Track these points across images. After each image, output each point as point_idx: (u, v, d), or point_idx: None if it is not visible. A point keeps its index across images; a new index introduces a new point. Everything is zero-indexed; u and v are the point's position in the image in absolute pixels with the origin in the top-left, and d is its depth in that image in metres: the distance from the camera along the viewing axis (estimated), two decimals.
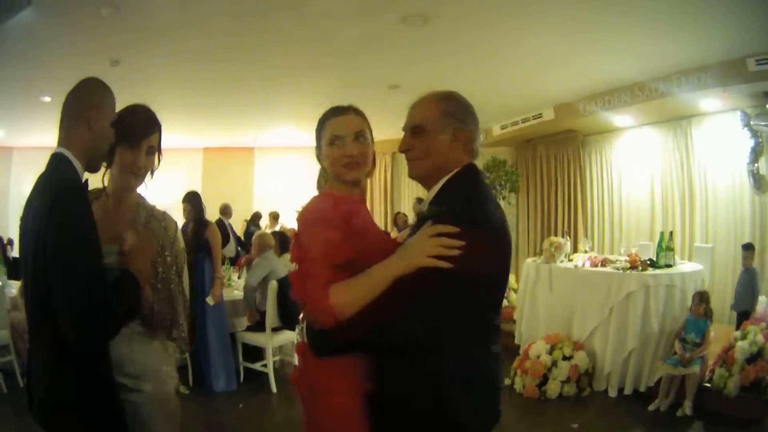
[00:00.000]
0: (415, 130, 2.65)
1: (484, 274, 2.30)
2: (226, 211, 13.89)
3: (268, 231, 15.33)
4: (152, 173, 3.25)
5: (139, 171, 3.11)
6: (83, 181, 2.80)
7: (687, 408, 6.86)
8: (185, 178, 15.71)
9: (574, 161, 13.21)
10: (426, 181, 2.69)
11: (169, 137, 12.05)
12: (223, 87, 10.57)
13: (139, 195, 3.30)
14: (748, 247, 8.18)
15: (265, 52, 8.41)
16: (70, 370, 2.68)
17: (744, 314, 7.61)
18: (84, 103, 2.83)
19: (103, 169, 3.09)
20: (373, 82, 10.02)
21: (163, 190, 14.16)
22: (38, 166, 2.83)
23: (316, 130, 2.82)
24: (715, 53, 8.21)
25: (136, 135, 3.06)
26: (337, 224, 2.49)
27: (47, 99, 10.35)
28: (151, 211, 3.28)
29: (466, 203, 2.42)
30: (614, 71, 9.30)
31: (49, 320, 2.58)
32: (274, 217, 16.19)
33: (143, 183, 3.25)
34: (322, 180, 2.97)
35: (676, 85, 9.09)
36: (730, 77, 8.43)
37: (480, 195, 2.52)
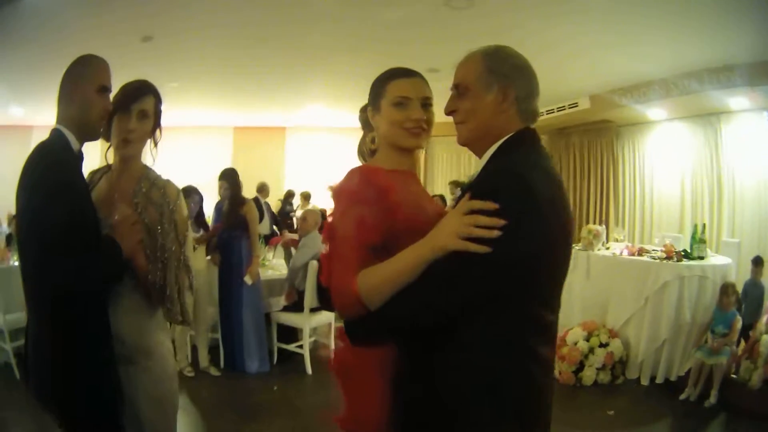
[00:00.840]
0: (458, 90, 2.38)
1: (523, 259, 2.01)
2: (262, 189, 13.89)
3: (300, 211, 15.38)
4: (155, 144, 3.30)
5: (130, 135, 3.11)
6: (77, 151, 2.94)
7: (712, 397, 6.95)
8: (216, 158, 15.72)
9: (608, 151, 13.15)
10: (475, 149, 2.39)
11: (199, 115, 12.13)
12: (254, 65, 10.49)
13: (145, 166, 3.28)
14: (758, 262, 8.11)
15: (301, 30, 8.31)
16: (68, 344, 2.74)
17: (750, 326, 7.53)
18: (66, 78, 2.95)
19: (105, 145, 3.27)
20: (412, 65, 9.89)
21: (194, 170, 14.37)
22: None
23: (374, 88, 2.61)
24: (744, 53, 8.20)
25: (126, 100, 3.10)
26: (371, 201, 2.29)
27: None
28: (153, 180, 3.21)
29: (506, 174, 2.10)
30: (647, 65, 9.26)
31: (42, 294, 2.74)
32: (306, 197, 16.18)
33: (144, 152, 3.28)
34: (365, 146, 2.84)
35: (707, 82, 9.09)
36: (759, 77, 8.45)
37: (525, 164, 2.15)
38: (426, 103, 2.53)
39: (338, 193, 2.41)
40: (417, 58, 9.24)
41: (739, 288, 7.73)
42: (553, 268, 2.20)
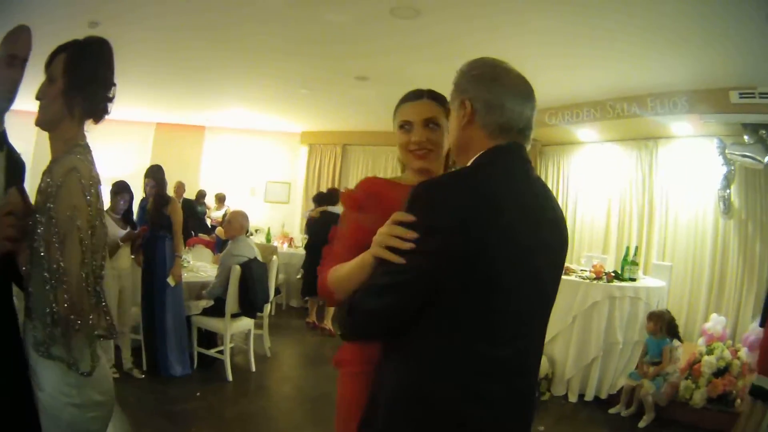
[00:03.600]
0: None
1: (434, 276, 1.92)
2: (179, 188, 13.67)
3: (214, 213, 15.17)
4: (71, 111, 2.73)
5: (40, 106, 2.73)
6: None
7: (644, 421, 7.15)
8: (136, 153, 15.41)
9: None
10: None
11: (124, 109, 11.84)
12: (187, 62, 10.37)
13: (67, 143, 2.76)
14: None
15: (241, 31, 8.24)
16: None
17: None
18: None
19: None
20: (342, 72, 9.90)
21: (114, 163, 14.07)
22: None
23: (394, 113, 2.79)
24: (697, 81, 8.38)
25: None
26: (368, 207, 2.55)
27: None
28: (55, 160, 2.70)
29: (428, 186, 2.03)
30: (586, 86, 9.42)
31: None
32: (220, 198, 15.98)
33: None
34: (400, 165, 2.92)
35: (651, 108, 9.25)
36: (710, 105, 8.62)
37: (465, 178, 2.07)
38: (430, 124, 2.65)
39: (343, 198, 2.76)
40: (349, 64, 9.23)
41: (672, 312, 7.95)
42: (490, 293, 1.98)
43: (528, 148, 2.23)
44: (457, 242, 1.90)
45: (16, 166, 2.94)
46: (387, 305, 2.02)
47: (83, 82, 2.73)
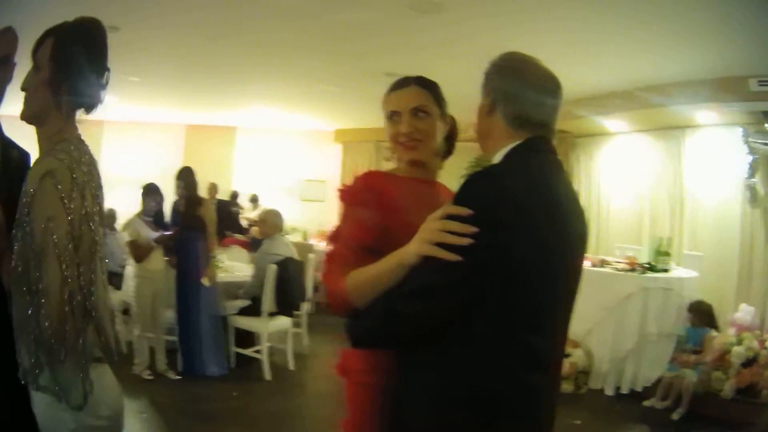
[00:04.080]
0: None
1: (494, 271, 1.86)
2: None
3: (249, 213, 15.19)
4: (57, 101, 2.46)
5: (25, 98, 2.51)
6: None
7: (676, 414, 7.10)
8: (168, 155, 15.45)
9: (564, 162, 12.98)
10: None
11: (153, 112, 11.87)
12: (212, 62, 10.32)
13: (53, 139, 2.50)
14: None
15: (261, 27, 8.12)
16: None
17: None
18: None
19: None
20: (370, 68, 9.82)
21: (145, 165, 14.15)
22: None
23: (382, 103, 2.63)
24: (716, 69, 8.26)
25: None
26: (368, 203, 2.35)
27: None
28: (37, 161, 2.47)
29: (483, 179, 2.00)
30: (609, 76, 9.31)
31: None
32: (254, 199, 15.98)
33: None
34: (390, 157, 2.76)
35: (673, 96, 9.10)
36: (731, 94, 8.50)
37: (509, 170, 2.06)
38: (419, 113, 2.51)
39: (341, 195, 2.49)
40: (376, 61, 9.16)
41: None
42: (537, 285, 1.97)
43: (554, 141, 2.21)
44: (514, 236, 1.86)
45: (14, 170, 2.67)
46: (434, 306, 1.93)
47: (71, 68, 2.46)
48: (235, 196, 16.08)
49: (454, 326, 1.92)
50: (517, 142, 2.10)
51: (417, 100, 2.52)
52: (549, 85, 2.18)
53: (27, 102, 2.47)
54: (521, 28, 7.26)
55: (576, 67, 8.43)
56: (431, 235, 1.89)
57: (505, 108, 2.13)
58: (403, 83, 2.58)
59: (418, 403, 2.02)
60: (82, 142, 2.55)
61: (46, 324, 2.25)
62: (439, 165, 2.70)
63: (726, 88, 8.43)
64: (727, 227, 9.63)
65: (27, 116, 2.48)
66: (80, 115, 2.59)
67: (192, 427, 6.41)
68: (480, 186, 1.97)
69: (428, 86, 2.58)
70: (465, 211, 1.85)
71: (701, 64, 8.14)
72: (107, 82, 2.62)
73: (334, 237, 2.43)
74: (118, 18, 7.63)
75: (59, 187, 2.30)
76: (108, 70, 2.61)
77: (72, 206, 2.33)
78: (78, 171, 2.39)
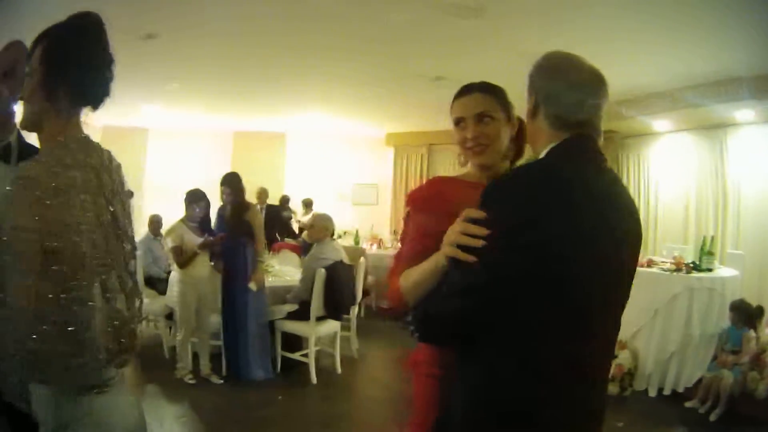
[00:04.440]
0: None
1: (512, 274, 1.87)
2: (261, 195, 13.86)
3: (302, 218, 15.25)
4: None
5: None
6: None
7: (713, 414, 7.09)
8: (215, 163, 15.55)
9: (613, 162, 12.89)
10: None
11: (199, 118, 11.93)
12: (255, 67, 10.31)
13: (43, 144, 2.42)
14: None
15: (303, 29, 8.07)
16: None
17: None
18: None
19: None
20: (415, 72, 9.84)
21: (193, 173, 14.29)
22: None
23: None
24: (750, 65, 8.20)
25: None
26: (433, 208, 2.52)
27: None
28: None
29: (502, 182, 2.09)
30: (652, 76, 9.27)
31: None
32: (307, 203, 15.98)
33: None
34: (462, 162, 2.81)
35: (712, 96, 9.10)
36: (765, 90, 8.45)
37: (535, 172, 2.06)
38: (484, 118, 2.58)
39: (407, 199, 2.75)
40: (424, 65, 9.16)
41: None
42: (568, 286, 1.93)
43: (600, 141, 2.18)
44: (534, 237, 1.86)
45: None
46: (460, 308, 1.96)
47: (63, 68, 2.34)
48: (286, 200, 16.05)
49: (489, 327, 1.93)
50: (556, 143, 2.10)
51: (481, 105, 2.59)
52: (590, 83, 2.16)
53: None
54: (564, 26, 7.25)
55: (621, 65, 8.39)
56: (452, 238, 1.98)
57: (546, 109, 2.14)
58: (466, 90, 2.66)
59: (458, 401, 2.07)
60: (86, 144, 2.42)
61: (15, 343, 2.12)
62: (508, 167, 2.72)
63: (763, 86, 8.39)
64: (766, 224, 9.59)
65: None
66: (86, 115, 2.45)
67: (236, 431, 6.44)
68: (501, 188, 2.01)
69: (492, 91, 2.65)
70: (480, 214, 1.92)
71: (738, 62, 8.07)
72: (112, 75, 2.48)
73: (401, 239, 2.72)
74: (157, 25, 7.72)
75: (36, 193, 2.14)
76: (112, 61, 2.48)
77: (49, 215, 2.16)
78: (63, 176, 2.22)
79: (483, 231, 1.89)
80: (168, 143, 16.62)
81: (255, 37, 8.47)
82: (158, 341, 8.89)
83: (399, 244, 2.73)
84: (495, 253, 1.87)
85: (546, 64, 2.21)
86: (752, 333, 7.41)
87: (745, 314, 7.47)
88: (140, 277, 8.79)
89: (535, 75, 2.20)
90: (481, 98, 2.60)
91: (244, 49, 9.04)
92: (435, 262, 2.13)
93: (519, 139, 2.72)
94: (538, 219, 1.88)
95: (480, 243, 1.88)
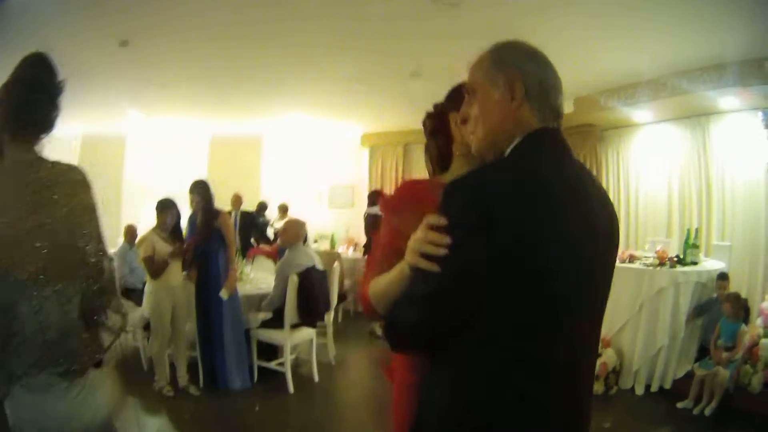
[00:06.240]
0: (468, 94, 2.15)
1: (475, 279, 1.77)
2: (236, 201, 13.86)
3: (277, 223, 15.18)
4: None
5: None
6: None
7: (708, 409, 7.02)
8: (192, 167, 15.49)
9: (591, 156, 12.81)
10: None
11: (176, 124, 11.88)
12: (232, 71, 10.30)
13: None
14: (724, 277, 7.99)
15: (281, 28, 8.02)
16: None
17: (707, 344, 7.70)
18: None
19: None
20: (396, 66, 9.77)
21: (169, 179, 14.23)
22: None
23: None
24: (736, 51, 8.16)
25: None
26: (407, 212, 2.32)
27: None
28: None
29: (459, 184, 1.86)
30: (636, 64, 9.21)
31: None
32: (283, 209, 15.92)
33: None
34: (430, 155, 2.79)
35: (698, 82, 9.03)
36: (751, 76, 8.41)
37: (500, 170, 1.91)
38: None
39: (381, 204, 2.60)
40: (401, 58, 9.09)
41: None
42: (538, 285, 1.82)
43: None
44: (499, 236, 1.74)
45: None
46: (426, 317, 1.88)
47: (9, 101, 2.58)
48: (263, 207, 16.02)
49: (459, 332, 1.84)
50: (526, 133, 1.99)
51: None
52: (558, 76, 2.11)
53: None
54: (544, 17, 7.21)
55: (602, 55, 8.43)
56: (415, 245, 1.90)
57: (536, 100, 2.01)
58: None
59: (433, 407, 1.98)
60: (24, 166, 2.57)
61: None
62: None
63: (751, 72, 8.34)
64: (753, 215, 9.54)
65: None
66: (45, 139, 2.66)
67: None
68: (457, 191, 1.86)
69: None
70: (440, 221, 1.82)
71: (723, 47, 8.03)
72: (57, 105, 2.68)
73: (374, 245, 2.56)
74: (132, 32, 7.67)
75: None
76: (57, 89, 2.68)
77: None
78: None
79: (445, 239, 1.79)
80: (146, 150, 16.65)
81: (230, 41, 8.48)
82: (137, 352, 8.85)
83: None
84: (454, 259, 1.78)
85: (530, 51, 2.10)
86: (745, 327, 7.39)
87: (740, 307, 7.43)
88: (117, 288, 8.78)
89: (515, 61, 2.05)
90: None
91: (220, 52, 9.03)
92: (400, 269, 2.07)
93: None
94: (502, 219, 1.75)
95: (443, 251, 1.79)
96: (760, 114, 8.79)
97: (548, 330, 1.86)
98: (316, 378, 8.25)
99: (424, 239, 1.86)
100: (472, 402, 1.86)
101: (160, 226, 7.60)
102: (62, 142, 15.64)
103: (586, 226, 1.92)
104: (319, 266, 8.22)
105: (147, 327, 8.14)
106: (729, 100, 9.52)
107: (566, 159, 2.02)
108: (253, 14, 7.41)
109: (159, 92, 11.45)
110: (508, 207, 1.75)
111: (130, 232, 10.39)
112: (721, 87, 8.83)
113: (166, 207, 7.59)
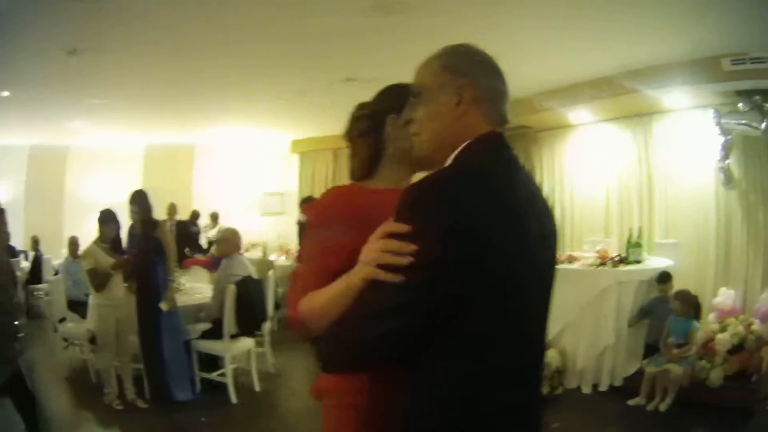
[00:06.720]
0: (413, 96, 2.09)
1: (441, 288, 1.72)
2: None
3: (209, 232, 15.09)
4: None
5: None
6: None
7: (663, 405, 7.09)
8: (127, 178, 15.35)
9: (526, 158, 12.87)
10: (433, 165, 2.03)
11: (111, 135, 11.69)
12: (170, 83, 10.20)
13: None
14: (666, 279, 8.12)
15: (216, 40, 7.93)
16: None
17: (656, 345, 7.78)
18: None
19: None
20: (331, 75, 9.78)
21: (105, 190, 14.10)
22: None
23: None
24: (688, 51, 8.20)
25: None
26: (337, 223, 2.22)
27: (5, 93, 9.62)
28: None
29: (422, 188, 1.81)
30: (579, 66, 9.23)
31: None
32: (214, 217, 15.85)
33: None
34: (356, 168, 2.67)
35: (647, 81, 9.04)
36: (703, 75, 8.48)
37: (458, 173, 1.87)
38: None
39: (309, 215, 2.39)
40: (331, 65, 9.08)
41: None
42: (505, 294, 1.80)
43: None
44: (467, 247, 1.71)
45: None
46: (390, 331, 1.77)
47: None
48: (195, 216, 15.96)
49: (424, 346, 1.79)
50: (471, 139, 1.97)
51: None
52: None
53: None
54: (486, 21, 7.15)
55: (542, 58, 8.45)
56: (371, 256, 1.81)
57: (484, 105, 2.01)
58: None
59: (393, 425, 1.92)
60: None
61: None
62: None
63: (699, 70, 8.43)
64: (701, 212, 9.59)
65: None
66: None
67: None
68: (423, 196, 1.79)
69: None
70: (403, 228, 1.75)
71: (672, 47, 8.09)
72: None
73: (299, 258, 2.40)
74: (76, 41, 7.55)
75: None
76: None
77: None
78: None
79: (409, 247, 1.72)
80: (87, 161, 16.58)
81: (165, 55, 8.43)
82: (85, 366, 8.75)
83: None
84: (420, 269, 1.71)
85: (479, 55, 2.08)
86: (698, 324, 7.52)
87: (690, 304, 7.55)
88: (62, 301, 9.18)
89: (465, 66, 2.03)
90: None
91: (154, 65, 8.96)
92: (346, 283, 1.91)
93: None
94: (475, 227, 1.72)
95: (407, 261, 1.71)
96: (712, 111, 8.90)
97: (514, 337, 1.85)
98: (257, 387, 8.23)
99: (383, 249, 1.79)
100: (447, 415, 1.82)
101: (101, 238, 7.53)
102: (11, 152, 15.67)
103: (538, 231, 1.92)
104: (255, 276, 8.21)
105: (92, 340, 8.03)
106: (675, 99, 9.55)
107: (515, 163, 2.01)
108: (186, 28, 7.34)
109: (101, 103, 11.34)
110: (475, 214, 1.73)
111: (73, 244, 10.37)
112: (669, 86, 8.92)
113: (107, 219, 7.52)
